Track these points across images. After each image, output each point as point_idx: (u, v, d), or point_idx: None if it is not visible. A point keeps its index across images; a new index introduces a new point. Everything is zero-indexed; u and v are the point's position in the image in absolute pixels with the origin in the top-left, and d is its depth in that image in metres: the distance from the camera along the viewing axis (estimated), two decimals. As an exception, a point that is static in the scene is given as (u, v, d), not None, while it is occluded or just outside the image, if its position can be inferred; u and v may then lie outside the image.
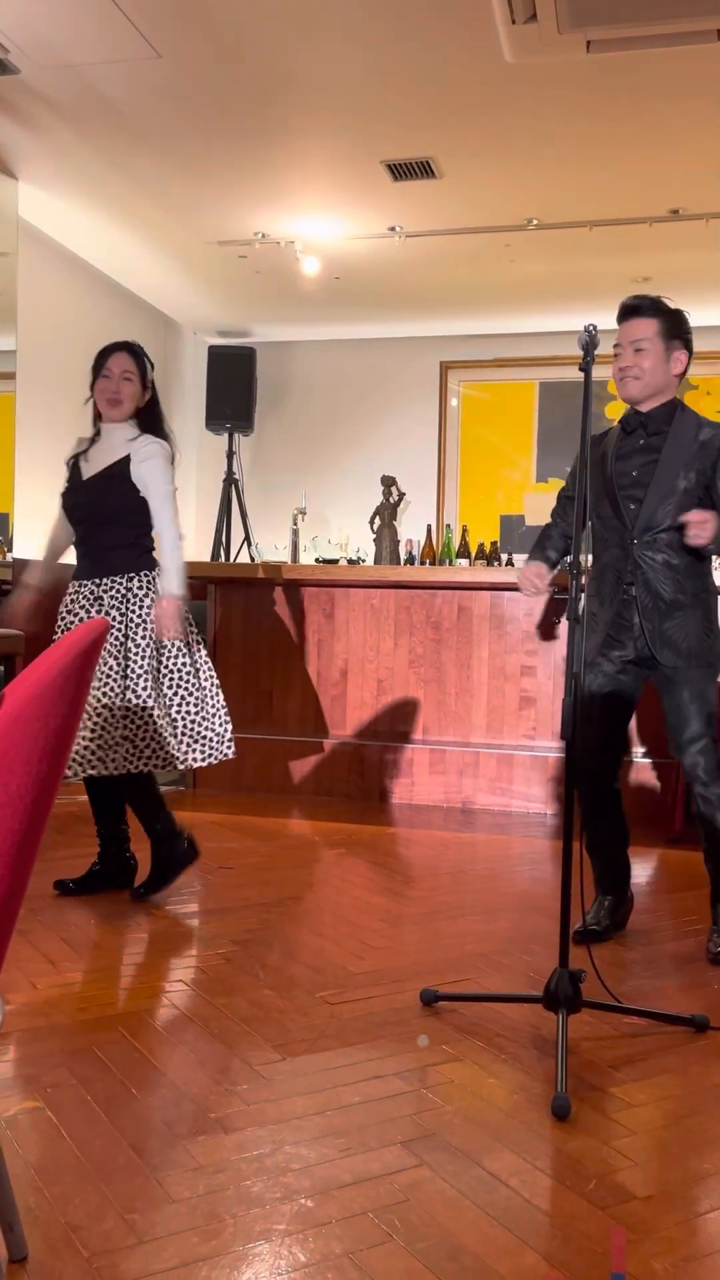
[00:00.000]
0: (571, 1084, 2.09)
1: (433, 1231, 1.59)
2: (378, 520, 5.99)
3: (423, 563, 6.63)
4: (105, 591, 3.25)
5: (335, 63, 4.05)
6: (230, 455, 7.19)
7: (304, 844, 4.20)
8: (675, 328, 2.87)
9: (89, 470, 3.33)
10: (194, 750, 3.30)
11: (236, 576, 5.21)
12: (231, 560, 7.09)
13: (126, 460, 3.27)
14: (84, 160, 4.96)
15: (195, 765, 3.29)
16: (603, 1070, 2.18)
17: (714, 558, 2.98)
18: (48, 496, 3.39)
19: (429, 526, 6.82)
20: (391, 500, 5.95)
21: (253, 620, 5.54)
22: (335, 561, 6.49)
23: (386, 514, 5.94)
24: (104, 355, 3.32)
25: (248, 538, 7.08)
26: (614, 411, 7.06)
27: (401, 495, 6.04)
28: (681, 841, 4.40)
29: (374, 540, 5.99)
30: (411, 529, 7.17)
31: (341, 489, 7.54)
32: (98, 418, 3.39)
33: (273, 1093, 2.02)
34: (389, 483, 5.97)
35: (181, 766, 3.27)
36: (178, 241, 5.97)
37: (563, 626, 5.07)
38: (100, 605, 3.24)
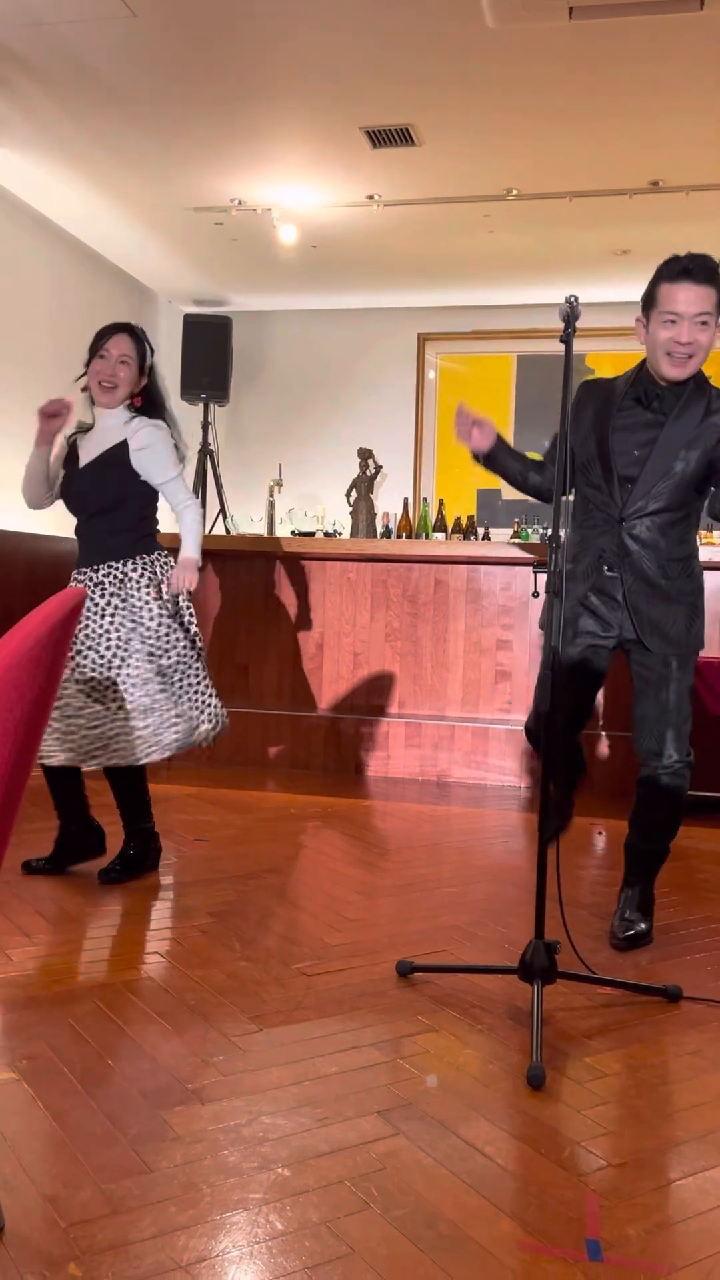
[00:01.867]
0: (546, 1054, 2.11)
1: (409, 1199, 1.61)
2: (354, 493, 5.97)
3: (399, 536, 6.62)
4: (105, 577, 3.20)
5: (314, 26, 3.98)
6: (205, 426, 7.12)
7: (280, 817, 4.21)
8: None
9: (85, 458, 3.24)
10: (203, 718, 3.26)
11: (212, 549, 5.18)
12: (207, 532, 7.05)
13: (123, 446, 3.19)
14: (56, 122, 4.86)
15: (208, 736, 3.26)
16: (577, 1040, 2.20)
17: (700, 538, 2.90)
18: (20, 466, 3.32)
19: (406, 499, 6.80)
20: (368, 473, 5.92)
21: (228, 593, 5.52)
22: (312, 534, 6.46)
23: (363, 487, 5.91)
24: (103, 336, 3.21)
25: (223, 510, 7.03)
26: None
27: (378, 468, 6.01)
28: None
29: (350, 513, 5.98)
30: (388, 502, 7.15)
31: (318, 461, 7.50)
32: (88, 398, 3.29)
33: (249, 1063, 2.03)
34: (366, 455, 5.94)
35: (199, 739, 3.25)
36: (153, 207, 5.88)
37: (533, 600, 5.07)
38: (101, 590, 3.20)
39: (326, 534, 6.59)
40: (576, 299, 2.35)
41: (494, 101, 4.51)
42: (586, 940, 2.81)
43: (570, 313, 2.32)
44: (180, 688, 3.24)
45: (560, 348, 2.40)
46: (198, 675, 3.29)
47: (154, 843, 3.33)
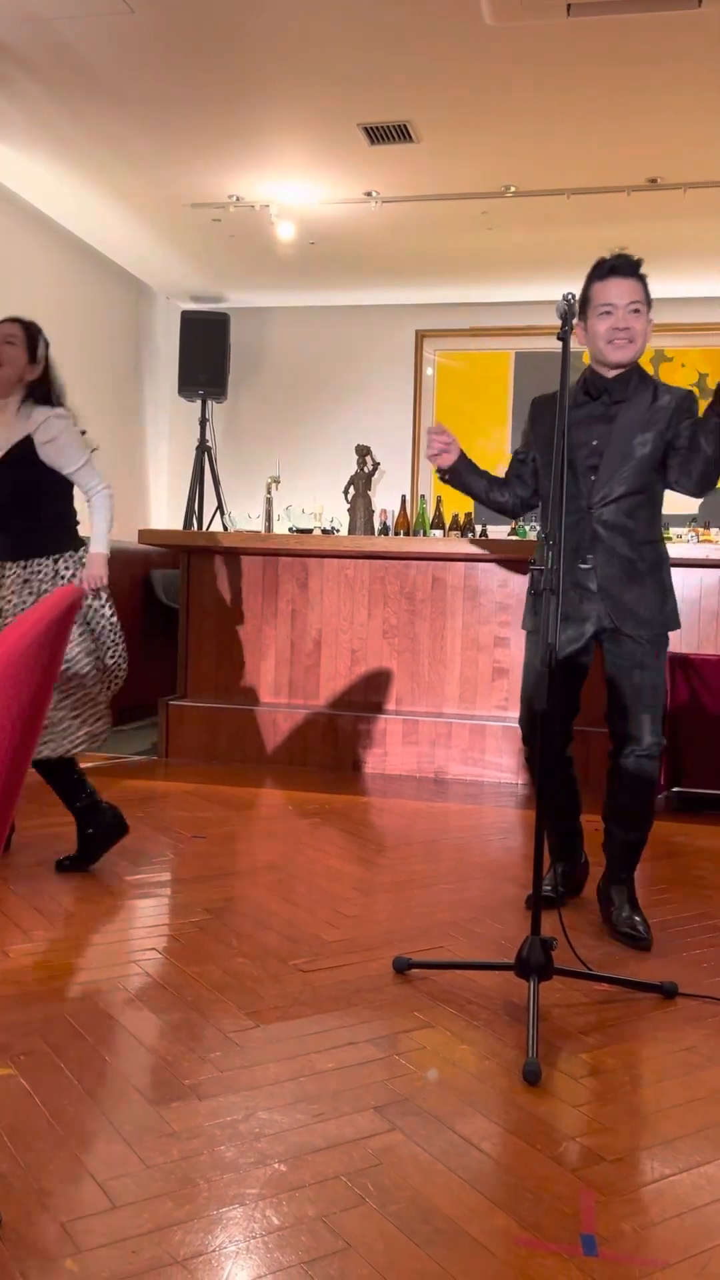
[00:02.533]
0: (542, 1050, 2.12)
1: (405, 1195, 1.61)
2: (352, 490, 5.97)
3: (397, 533, 6.62)
4: (34, 574, 3.20)
5: (313, 22, 3.98)
6: (203, 422, 7.12)
7: (277, 813, 4.21)
8: (649, 294, 2.80)
9: None
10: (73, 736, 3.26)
11: (210, 546, 5.18)
12: (205, 529, 7.05)
13: (28, 441, 3.16)
14: (54, 117, 4.85)
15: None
16: (573, 1036, 2.21)
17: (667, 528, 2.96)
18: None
19: (403, 497, 6.80)
20: (366, 470, 5.92)
21: (226, 590, 5.52)
22: (309, 531, 6.46)
23: (361, 484, 5.91)
24: None
25: (221, 506, 7.03)
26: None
27: (376, 465, 6.01)
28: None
29: (348, 510, 5.97)
30: (386, 499, 7.15)
31: (316, 458, 7.49)
32: None
33: (246, 1059, 2.03)
34: (364, 452, 5.94)
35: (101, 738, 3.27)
36: (150, 204, 5.87)
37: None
38: (29, 587, 3.20)
39: (324, 531, 6.58)
40: (573, 296, 2.38)
41: (492, 98, 4.50)
42: (582, 937, 2.82)
43: (568, 310, 2.35)
44: (116, 673, 3.28)
45: (558, 345, 2.42)
46: (122, 657, 3.29)
47: (103, 815, 3.29)
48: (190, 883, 3.19)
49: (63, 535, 3.24)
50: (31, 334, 3.25)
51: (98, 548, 3.21)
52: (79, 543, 3.27)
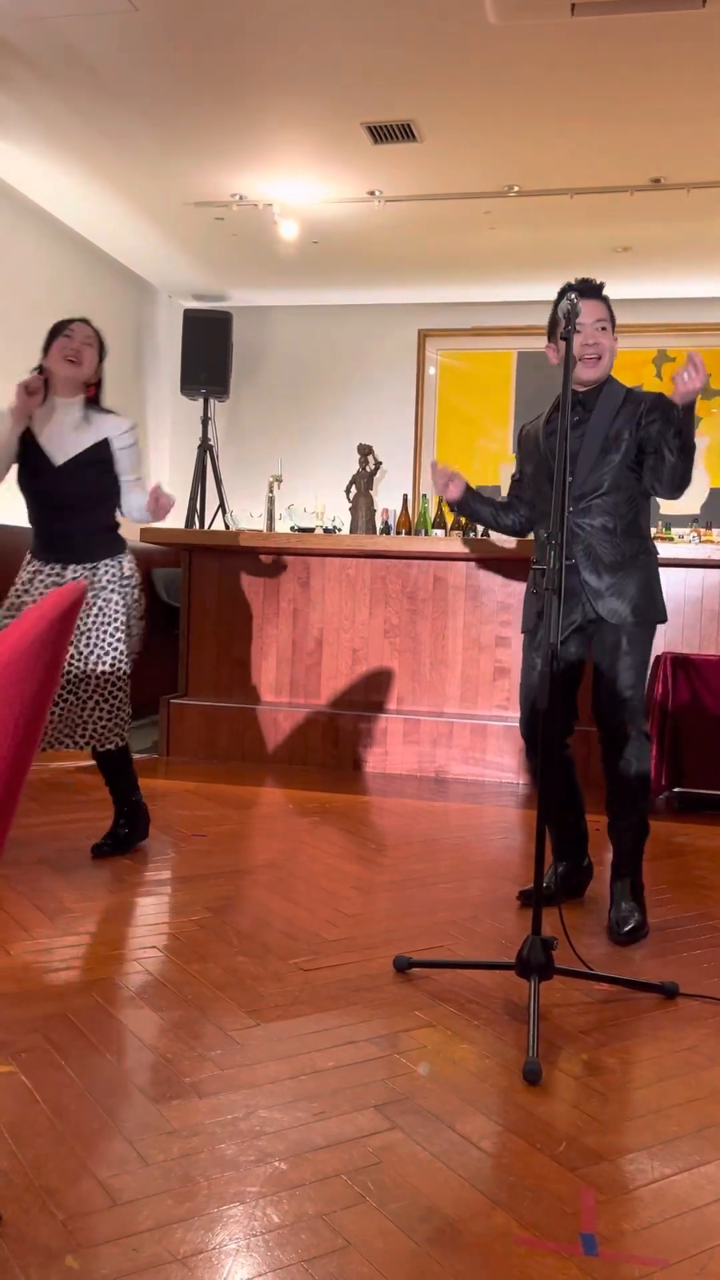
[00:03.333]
0: (542, 1049, 2.12)
1: (405, 1193, 1.61)
2: (354, 489, 5.96)
3: (399, 532, 6.61)
4: (73, 578, 3.29)
5: (316, 21, 3.98)
6: (205, 421, 7.12)
7: (278, 812, 4.21)
8: (613, 313, 2.95)
9: (57, 454, 3.26)
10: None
11: (211, 544, 5.18)
12: (206, 527, 7.05)
13: (105, 445, 3.28)
14: (58, 116, 4.85)
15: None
16: (573, 1036, 2.21)
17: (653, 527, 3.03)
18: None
19: (405, 496, 6.80)
20: (368, 469, 5.92)
21: (227, 588, 5.52)
22: (311, 530, 6.45)
23: (363, 483, 5.91)
24: (64, 322, 3.31)
25: (222, 505, 7.03)
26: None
27: (378, 464, 6.00)
28: (652, 811, 4.45)
29: (350, 509, 5.97)
30: (388, 498, 7.15)
31: (318, 457, 7.50)
32: (46, 386, 3.28)
33: (246, 1057, 2.04)
34: (365, 451, 5.94)
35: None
36: (153, 202, 5.88)
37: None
38: (110, 589, 3.33)
39: (326, 530, 6.58)
40: (577, 296, 2.39)
41: (495, 98, 4.50)
42: (583, 936, 2.82)
43: (571, 310, 2.35)
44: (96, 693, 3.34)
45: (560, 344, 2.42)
46: (112, 692, 3.35)
47: (144, 814, 3.52)
48: (191, 881, 3.20)
49: (113, 543, 3.35)
50: (101, 338, 3.36)
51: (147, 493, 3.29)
52: (122, 549, 3.38)
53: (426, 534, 6.59)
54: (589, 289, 2.87)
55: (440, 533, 6.64)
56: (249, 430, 7.72)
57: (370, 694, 5.35)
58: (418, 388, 7.49)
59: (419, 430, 7.47)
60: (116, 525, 3.38)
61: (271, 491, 6.38)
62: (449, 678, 5.28)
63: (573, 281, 2.87)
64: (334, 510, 7.08)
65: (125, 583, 3.32)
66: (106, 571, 3.30)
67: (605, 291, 2.92)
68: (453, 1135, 1.79)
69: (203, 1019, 2.20)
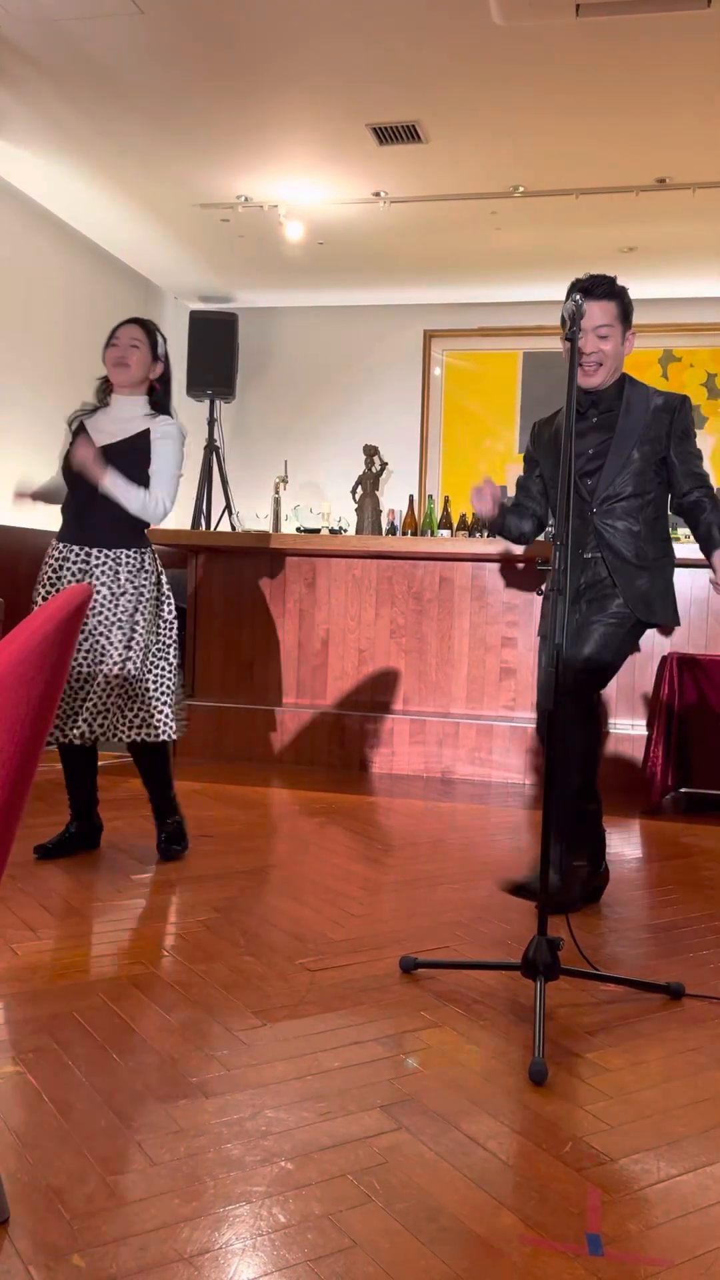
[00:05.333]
0: (548, 1050, 2.12)
1: (411, 1193, 1.62)
2: (360, 490, 5.97)
3: (405, 533, 6.62)
4: (98, 564, 3.28)
5: (321, 22, 3.98)
6: (211, 422, 7.13)
7: (284, 813, 4.22)
8: (628, 309, 2.89)
9: (101, 439, 3.30)
10: (173, 720, 3.33)
11: (218, 545, 5.19)
12: (212, 529, 7.06)
13: (146, 435, 3.29)
14: (64, 118, 4.87)
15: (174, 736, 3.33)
16: (579, 1036, 2.21)
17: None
18: (21, 457, 3.37)
19: (411, 497, 6.80)
20: (374, 470, 5.92)
21: (234, 589, 5.52)
22: (317, 531, 6.47)
23: (369, 484, 5.91)
24: (114, 330, 3.36)
25: (229, 506, 7.04)
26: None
27: (384, 465, 6.01)
28: (659, 812, 4.45)
29: (356, 510, 5.97)
30: (394, 499, 7.15)
31: (324, 458, 7.50)
32: (108, 390, 3.40)
33: (253, 1058, 2.04)
34: (371, 452, 5.94)
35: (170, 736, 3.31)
36: (159, 204, 5.89)
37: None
38: (89, 577, 3.28)
39: (332, 531, 6.59)
40: (581, 298, 2.39)
41: (501, 99, 4.50)
42: (589, 937, 2.82)
43: (575, 311, 2.35)
44: (168, 678, 3.34)
45: (566, 345, 2.43)
46: (173, 670, 3.35)
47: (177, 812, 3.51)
48: (198, 881, 3.20)
49: (140, 534, 3.35)
50: (151, 333, 3.37)
51: (116, 477, 3.22)
52: (148, 541, 3.38)
53: (432, 534, 6.59)
54: (595, 288, 2.81)
55: (446, 533, 6.64)
56: (255, 431, 7.73)
57: (376, 694, 5.35)
58: (424, 388, 7.49)
59: (425, 431, 7.47)
60: (141, 521, 3.36)
61: (277, 492, 6.39)
62: (455, 678, 5.28)
63: (582, 278, 2.84)
64: (340, 511, 7.08)
65: (143, 577, 3.30)
66: (127, 564, 3.29)
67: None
68: (459, 1135, 1.79)
69: (209, 1019, 2.21)
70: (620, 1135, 1.81)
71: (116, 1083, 1.92)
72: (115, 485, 3.21)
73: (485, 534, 6.61)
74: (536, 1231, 1.53)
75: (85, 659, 3.24)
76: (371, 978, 2.47)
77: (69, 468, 3.32)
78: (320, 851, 3.63)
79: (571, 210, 5.62)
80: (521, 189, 5.42)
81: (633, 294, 3.09)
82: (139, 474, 3.29)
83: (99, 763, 3.52)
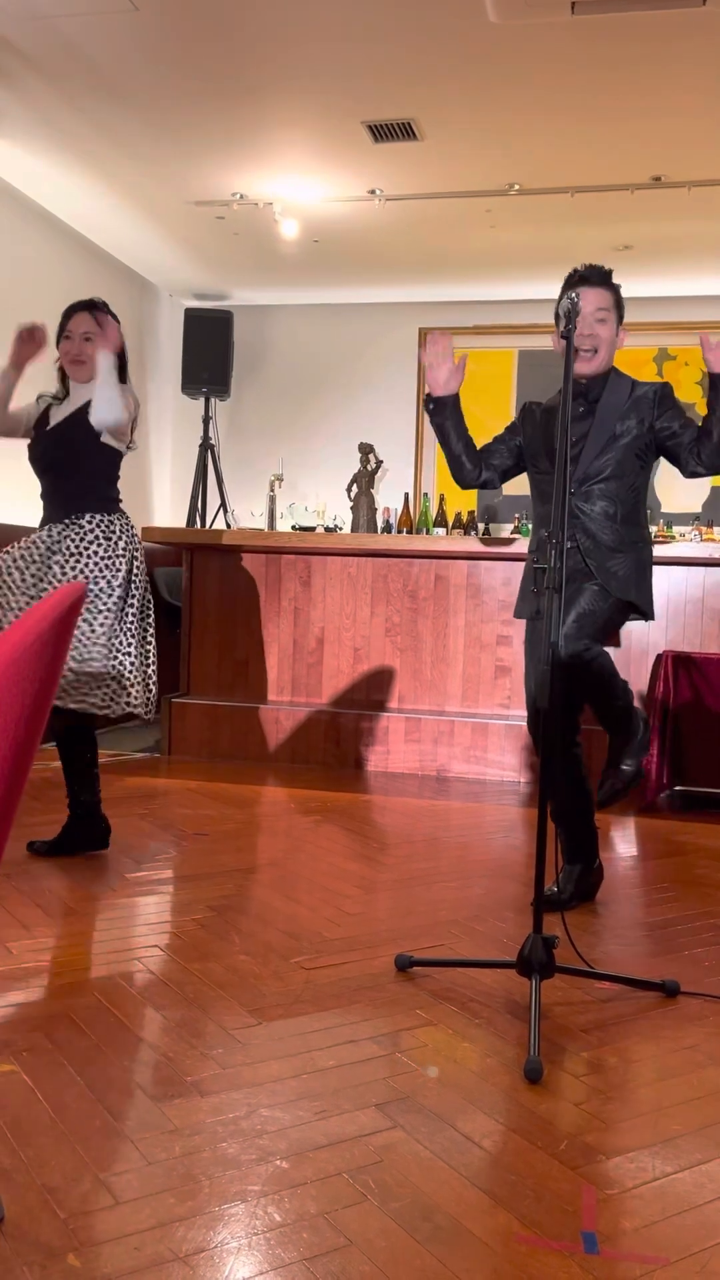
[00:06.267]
0: (544, 1048, 2.12)
1: (407, 1192, 1.62)
2: (355, 488, 5.97)
3: (400, 531, 6.62)
4: (63, 534, 3.25)
5: (317, 19, 3.97)
6: (206, 420, 7.12)
7: (279, 811, 4.22)
8: (621, 302, 2.93)
9: (54, 421, 3.34)
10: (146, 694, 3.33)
11: (212, 543, 5.18)
12: (207, 527, 7.05)
13: (88, 405, 3.25)
14: (58, 115, 4.85)
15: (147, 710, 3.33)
16: (575, 1034, 2.21)
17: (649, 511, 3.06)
18: (14, 454, 3.39)
19: (406, 495, 6.81)
20: (369, 468, 5.92)
21: (229, 587, 5.52)
22: (312, 529, 6.46)
23: (364, 482, 5.91)
24: (66, 316, 3.33)
25: (224, 504, 7.04)
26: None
27: (379, 463, 6.01)
28: (653, 810, 4.45)
29: (351, 508, 5.97)
30: (389, 497, 7.15)
31: (319, 456, 7.50)
32: (65, 378, 3.40)
33: (248, 1056, 2.04)
34: (367, 450, 5.94)
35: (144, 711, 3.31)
36: (154, 201, 5.87)
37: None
38: (57, 547, 3.26)
39: (327, 529, 6.59)
40: (578, 295, 2.39)
41: (496, 96, 4.50)
42: (585, 935, 2.82)
43: (571, 309, 2.35)
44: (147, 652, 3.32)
45: (561, 343, 2.42)
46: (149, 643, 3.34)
47: (99, 824, 3.41)
48: (192, 880, 3.20)
49: (102, 502, 3.28)
50: (101, 317, 3.30)
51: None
52: (114, 510, 3.32)
53: (428, 533, 6.59)
54: (593, 276, 2.86)
55: (441, 531, 6.64)
56: (250, 429, 7.72)
57: (372, 693, 5.35)
58: (419, 386, 7.49)
59: (420, 429, 7.47)
60: (104, 489, 3.31)
61: (273, 490, 6.39)
62: (450, 676, 5.28)
63: (579, 268, 2.87)
64: (335, 509, 7.08)
65: (110, 544, 3.25)
66: (67, 531, 3.25)
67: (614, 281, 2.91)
68: (454, 1134, 1.79)
69: (204, 1018, 2.21)
70: (615, 1133, 1.82)
71: (111, 1081, 1.92)
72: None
73: (464, 522, 6.61)
74: (532, 1230, 1.53)
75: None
76: (367, 976, 2.47)
77: (33, 458, 3.34)
78: (315, 850, 3.62)
79: (567, 208, 5.62)
80: (517, 187, 5.41)
81: (628, 292, 3.10)
82: (79, 447, 3.26)
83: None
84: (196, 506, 7.06)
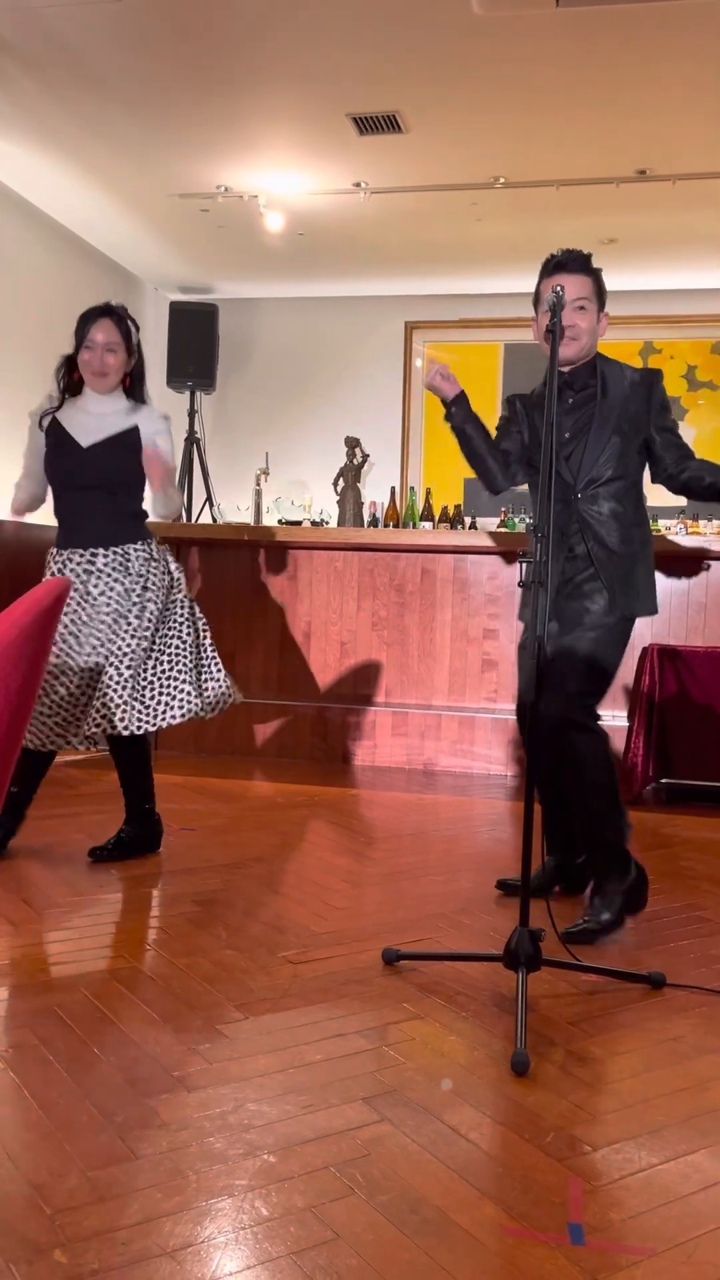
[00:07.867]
0: (530, 1040, 2.13)
1: (394, 1185, 1.62)
2: (341, 482, 5.96)
3: (386, 525, 6.61)
4: (105, 563, 3.22)
5: (301, 12, 3.96)
6: (192, 414, 7.10)
7: (266, 806, 4.21)
8: (603, 288, 2.85)
9: (85, 437, 3.23)
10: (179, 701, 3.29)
11: (198, 537, 5.17)
12: (193, 521, 7.03)
13: (135, 431, 3.23)
14: (41, 107, 4.82)
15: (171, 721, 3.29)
16: (561, 1027, 2.21)
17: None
18: (14, 458, 3.33)
19: (393, 489, 6.80)
20: (355, 462, 5.91)
21: (214, 581, 5.51)
22: (298, 523, 6.45)
23: (350, 475, 5.90)
24: (86, 322, 3.22)
25: (210, 498, 7.02)
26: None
27: (365, 457, 6.00)
28: (639, 803, 4.46)
29: (337, 502, 5.96)
30: (375, 491, 7.14)
31: (305, 450, 7.48)
32: (72, 380, 3.30)
33: (235, 1051, 2.04)
34: (353, 444, 5.93)
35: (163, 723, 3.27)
36: (138, 194, 5.84)
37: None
38: (95, 577, 3.22)
39: (313, 523, 6.58)
40: (563, 288, 2.39)
41: (481, 89, 4.49)
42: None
43: (557, 302, 2.34)
44: (158, 671, 3.27)
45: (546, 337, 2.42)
46: (177, 661, 3.31)
47: (156, 825, 3.42)
48: (179, 875, 3.19)
49: (138, 527, 3.31)
50: (127, 330, 3.25)
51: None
52: (148, 534, 3.33)
53: (414, 526, 6.59)
54: (571, 261, 2.78)
55: (428, 525, 6.64)
56: (236, 423, 7.70)
57: (358, 687, 5.35)
58: (405, 380, 7.48)
59: (406, 423, 7.46)
60: (141, 513, 3.33)
61: (258, 484, 6.37)
62: (437, 670, 5.28)
63: (556, 253, 2.79)
64: (321, 503, 7.07)
65: (154, 565, 3.26)
66: (137, 556, 3.25)
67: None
68: (441, 1127, 1.79)
69: (191, 1012, 2.20)
70: (602, 1125, 1.82)
71: (98, 1077, 1.92)
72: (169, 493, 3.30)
73: (450, 516, 6.61)
74: (519, 1222, 1.54)
75: (97, 651, 3.18)
76: (354, 970, 2.47)
77: (49, 468, 3.28)
78: (302, 844, 3.62)
79: (552, 201, 5.62)
80: (502, 180, 5.41)
81: (613, 285, 3.05)
82: (131, 469, 3.24)
83: (74, 757, 3.47)
84: (182, 501, 7.04)
